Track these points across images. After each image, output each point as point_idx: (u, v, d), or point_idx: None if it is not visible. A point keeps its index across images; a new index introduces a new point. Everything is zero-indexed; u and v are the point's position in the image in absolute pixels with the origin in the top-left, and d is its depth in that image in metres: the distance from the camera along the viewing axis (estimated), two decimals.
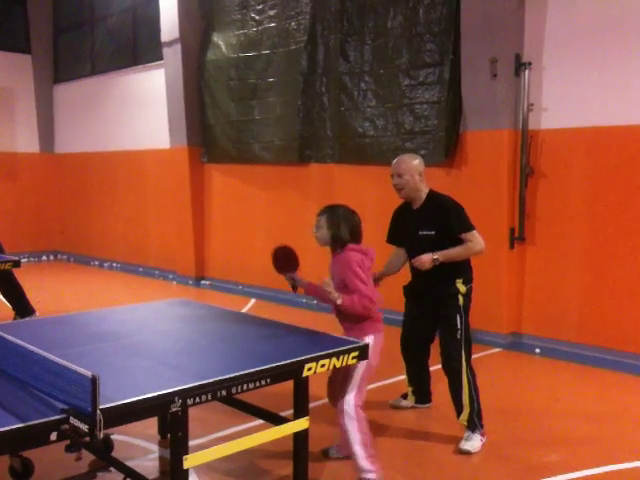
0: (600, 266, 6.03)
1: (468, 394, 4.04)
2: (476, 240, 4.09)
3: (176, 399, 2.49)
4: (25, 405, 2.34)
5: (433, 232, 4.10)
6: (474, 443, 3.98)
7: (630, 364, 5.72)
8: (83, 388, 2.18)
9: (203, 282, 9.90)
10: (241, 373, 2.72)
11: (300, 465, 3.20)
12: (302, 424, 3.12)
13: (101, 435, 2.17)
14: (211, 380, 2.62)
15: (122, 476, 3.25)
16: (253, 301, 8.72)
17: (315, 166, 8.34)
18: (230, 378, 2.67)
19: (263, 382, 2.78)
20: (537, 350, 6.23)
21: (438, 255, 4.00)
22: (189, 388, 2.54)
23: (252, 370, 2.76)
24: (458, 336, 4.09)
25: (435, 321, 4.29)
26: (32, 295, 7.19)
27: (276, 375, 2.83)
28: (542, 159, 6.34)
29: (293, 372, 2.92)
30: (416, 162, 4.18)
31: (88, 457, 3.71)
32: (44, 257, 12.91)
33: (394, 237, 4.47)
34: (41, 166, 12.97)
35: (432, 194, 4.21)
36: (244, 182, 9.34)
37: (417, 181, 4.13)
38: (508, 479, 3.64)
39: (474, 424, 4.04)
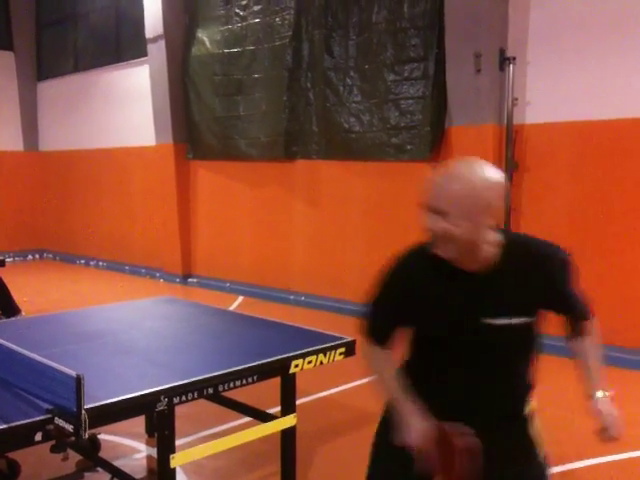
0: (584, 259, 6.04)
1: None
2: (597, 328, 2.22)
3: (162, 398, 2.48)
4: (9, 406, 2.32)
5: (526, 318, 2.01)
6: None
7: (614, 357, 5.76)
8: (68, 388, 2.17)
9: (190, 280, 9.87)
10: (228, 371, 2.72)
11: (288, 462, 3.21)
12: (289, 421, 3.12)
13: (86, 435, 2.16)
14: (197, 378, 2.62)
15: (109, 476, 3.24)
16: (241, 298, 8.70)
17: (301, 162, 8.33)
18: (217, 376, 2.67)
19: (250, 379, 2.77)
20: None
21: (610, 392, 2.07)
22: (175, 387, 2.53)
23: (239, 368, 2.76)
24: None
25: None
26: (18, 294, 7.13)
27: (263, 372, 2.83)
28: (527, 154, 6.37)
29: (280, 369, 2.92)
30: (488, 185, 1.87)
31: (75, 457, 3.68)
32: (30, 256, 12.81)
33: (393, 328, 2.10)
34: (25, 164, 12.86)
35: (512, 239, 2.02)
36: (230, 179, 9.31)
37: (480, 227, 1.88)
38: None
39: None
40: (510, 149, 6.37)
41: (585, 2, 5.95)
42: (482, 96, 6.45)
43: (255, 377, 2.79)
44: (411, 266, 2.04)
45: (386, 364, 2.09)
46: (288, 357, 2.92)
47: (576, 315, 2.13)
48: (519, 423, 2.10)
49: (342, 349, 3.13)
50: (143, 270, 10.66)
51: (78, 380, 2.13)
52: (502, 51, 6.39)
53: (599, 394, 2.04)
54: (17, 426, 2.15)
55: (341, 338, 3.23)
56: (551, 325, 2.21)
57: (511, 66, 6.32)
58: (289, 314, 7.42)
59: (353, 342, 3.21)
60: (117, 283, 9.91)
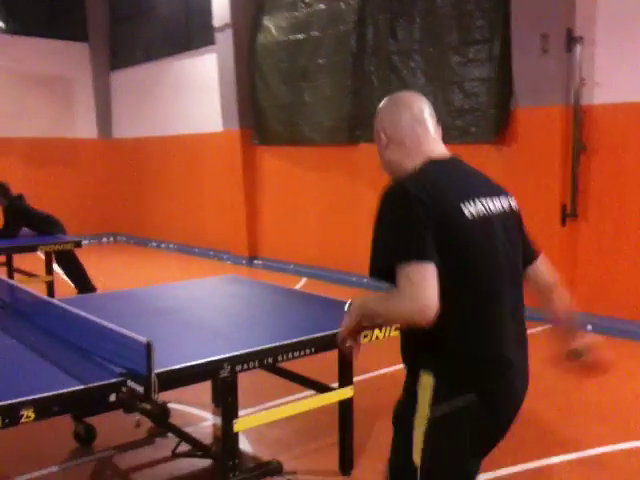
0: None
1: None
2: (404, 286, 1.74)
3: (225, 365, 2.63)
4: (86, 370, 2.51)
5: None
6: None
7: None
8: (139, 354, 2.34)
9: (256, 262, 10.11)
10: (287, 342, 2.85)
11: (345, 433, 3.32)
12: (347, 392, 3.23)
13: (156, 396, 2.33)
14: (258, 348, 2.76)
15: (178, 441, 3.43)
16: (304, 280, 8.86)
17: (364, 146, 8.38)
18: (276, 347, 2.81)
19: (307, 351, 2.90)
20: (589, 327, 6.16)
21: (353, 305, 2.05)
22: (238, 355, 2.68)
23: (297, 340, 2.88)
24: None
25: None
26: (93, 274, 7.50)
27: (320, 344, 2.95)
28: (595, 135, 6.23)
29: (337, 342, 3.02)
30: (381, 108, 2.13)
31: (146, 424, 3.92)
32: (104, 239, 13.37)
33: None
34: (100, 151, 13.39)
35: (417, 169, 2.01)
36: (295, 163, 9.46)
37: (391, 152, 2.09)
38: (552, 448, 3.68)
39: None
40: (577, 130, 6.25)
41: None
42: (549, 77, 6.34)
43: (313, 349, 2.91)
44: None
45: None
46: None
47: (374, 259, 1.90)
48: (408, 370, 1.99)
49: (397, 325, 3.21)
50: (211, 252, 10.98)
51: (148, 346, 2.30)
52: (569, 31, 6.25)
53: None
54: (94, 387, 2.34)
55: None
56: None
57: (578, 46, 6.19)
58: (351, 295, 7.51)
59: None
60: (187, 265, 10.24)
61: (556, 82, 6.31)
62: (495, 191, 2.01)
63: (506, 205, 2.00)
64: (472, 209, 1.87)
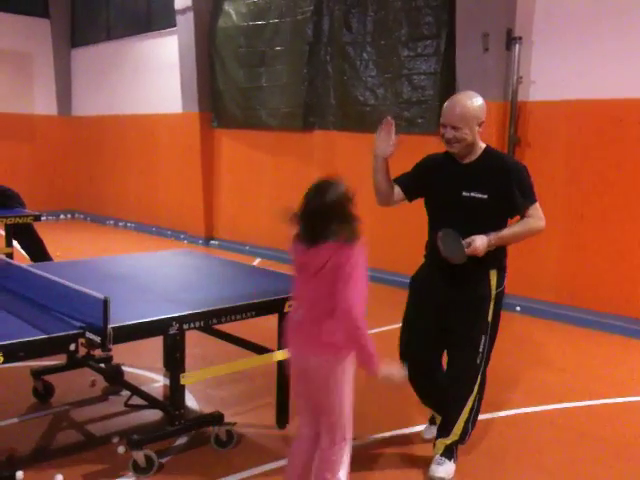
0: (577, 231, 6.44)
1: (463, 424, 3.29)
2: (539, 214, 3.20)
3: (174, 323, 2.98)
4: (49, 324, 2.83)
5: (486, 196, 3.11)
6: (448, 468, 3.28)
7: (601, 322, 6.17)
8: (97, 308, 2.68)
9: (212, 242, 10.40)
10: (230, 305, 3.21)
11: (282, 390, 3.70)
12: (285, 354, 3.60)
13: (111, 346, 2.67)
14: (204, 310, 3.11)
15: (130, 394, 3.77)
16: (258, 260, 9.21)
17: (318, 133, 8.74)
18: (220, 309, 3.16)
19: (249, 314, 3.26)
20: (517, 308, 6.68)
21: (493, 238, 3.05)
22: (185, 315, 3.03)
23: (240, 303, 3.24)
24: (478, 361, 3.23)
25: (446, 326, 3.30)
26: (51, 249, 7.68)
27: (260, 309, 3.32)
28: (529, 130, 6.71)
29: (276, 307, 3.40)
30: (477, 106, 3.14)
31: (101, 384, 4.25)
32: (62, 216, 13.46)
33: (409, 186, 3.41)
34: (59, 128, 13.44)
35: (490, 150, 3.27)
36: (251, 147, 9.77)
37: (476, 135, 3.13)
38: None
39: (451, 453, 3.32)
40: (513, 125, 6.72)
41: None
42: (489, 74, 6.78)
43: (253, 312, 3.28)
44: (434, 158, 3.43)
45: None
46: (282, 298, 3.39)
47: (517, 208, 3.19)
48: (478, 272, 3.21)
49: None
50: (169, 232, 11.22)
51: (105, 301, 2.64)
52: (509, 31, 6.69)
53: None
54: (56, 336, 2.67)
55: None
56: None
57: (517, 46, 6.64)
58: None
59: None
60: (144, 243, 10.48)
61: (495, 79, 6.76)
62: None
63: None
64: None
